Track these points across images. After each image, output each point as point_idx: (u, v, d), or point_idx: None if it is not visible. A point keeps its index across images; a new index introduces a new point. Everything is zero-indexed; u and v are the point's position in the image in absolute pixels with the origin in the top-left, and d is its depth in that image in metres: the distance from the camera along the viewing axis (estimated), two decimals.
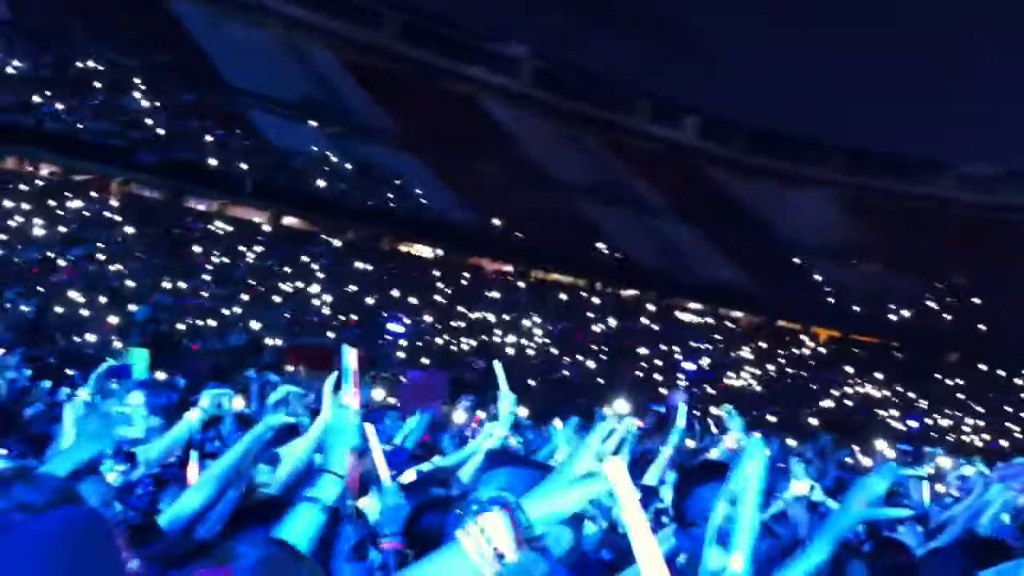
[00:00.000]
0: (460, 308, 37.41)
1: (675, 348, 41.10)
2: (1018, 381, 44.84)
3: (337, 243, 38.72)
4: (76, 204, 32.18)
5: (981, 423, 41.53)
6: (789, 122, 54.18)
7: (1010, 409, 42.71)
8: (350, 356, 2.86)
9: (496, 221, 42.84)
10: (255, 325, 28.86)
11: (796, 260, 50.69)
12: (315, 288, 34.08)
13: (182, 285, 30.22)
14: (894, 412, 40.51)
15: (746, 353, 43.41)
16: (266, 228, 38.46)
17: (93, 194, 34.04)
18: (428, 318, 35.59)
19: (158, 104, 37.67)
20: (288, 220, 39.92)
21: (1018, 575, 2.49)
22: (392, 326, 33.04)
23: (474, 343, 35.10)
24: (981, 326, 47.58)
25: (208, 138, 37.90)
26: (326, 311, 33.03)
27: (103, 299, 26.26)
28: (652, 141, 53.53)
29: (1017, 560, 2.58)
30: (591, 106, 52.63)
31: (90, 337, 22.70)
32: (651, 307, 44.57)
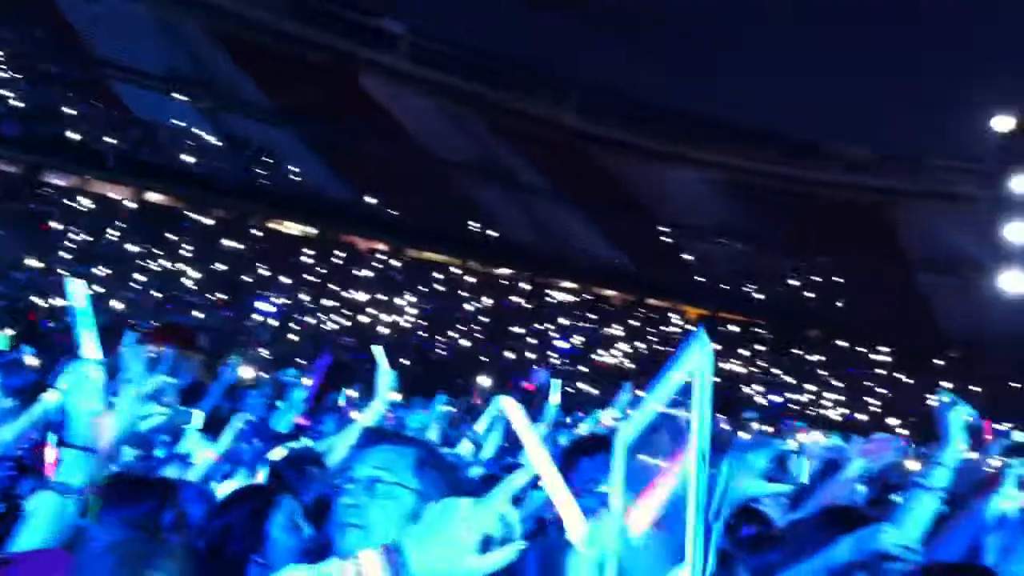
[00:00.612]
0: (332, 287, 37.03)
1: (548, 326, 41.52)
2: (875, 357, 46.70)
3: (205, 220, 37.85)
4: None
5: (841, 398, 43.20)
6: (668, 102, 54.75)
7: (868, 384, 44.54)
8: (75, 291, 2.36)
9: (370, 199, 42.44)
10: (118, 305, 28.04)
11: (668, 239, 51.65)
12: (182, 266, 33.29)
13: (40, 263, 29.19)
14: (758, 388, 41.80)
15: (618, 331, 44.11)
16: (130, 204, 37.32)
17: None
18: (300, 297, 35.15)
19: (18, 75, 36.18)
20: (153, 196, 38.78)
21: (875, 539, 2.62)
22: (262, 305, 32.55)
23: (346, 322, 34.82)
24: (841, 303, 49.36)
25: (70, 110, 36.55)
26: (194, 290, 32.32)
27: None
28: (532, 120, 53.68)
29: (873, 526, 2.70)
30: (470, 84, 52.47)
31: None
32: (525, 286, 44.86)
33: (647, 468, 1.51)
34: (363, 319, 36.28)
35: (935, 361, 45.46)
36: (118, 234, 33.96)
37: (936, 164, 52.41)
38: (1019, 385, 40.55)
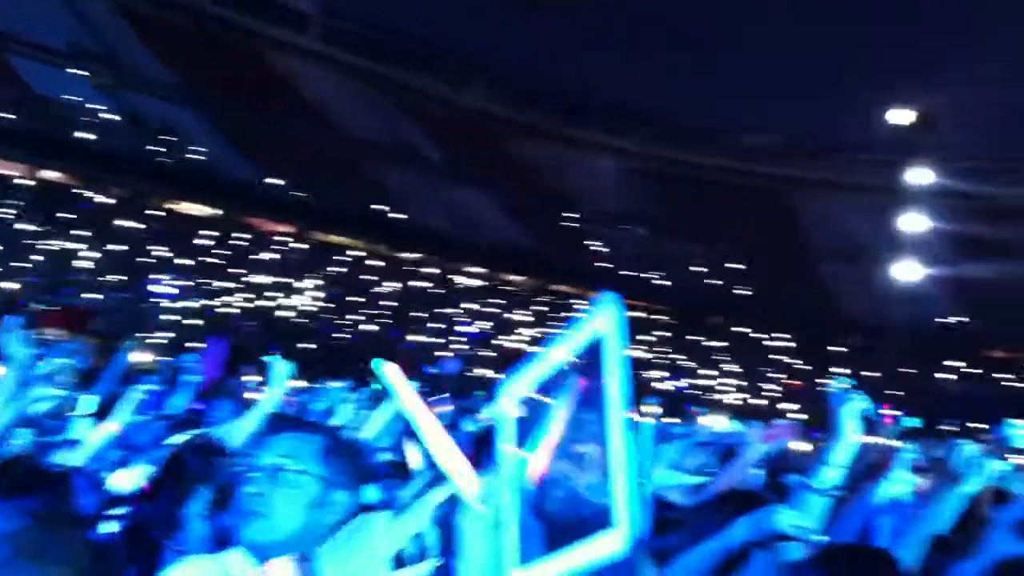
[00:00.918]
0: (234, 269, 36.47)
1: (455, 311, 41.51)
2: (775, 343, 47.68)
3: (103, 199, 36.88)
4: None
5: (743, 383, 44.07)
6: (578, 88, 54.88)
7: (766, 369, 45.49)
8: None
9: (275, 180, 41.82)
10: (11, 286, 27.27)
11: (575, 225, 51.97)
12: (77, 247, 32.46)
13: None
14: (661, 373, 42.39)
15: (525, 316, 44.31)
16: (25, 182, 36.17)
17: None
18: (200, 279, 34.55)
19: None
20: (49, 174, 37.64)
21: (770, 519, 2.69)
22: (160, 287, 31.94)
23: (248, 306, 34.36)
24: (743, 290, 50.26)
25: None
26: (90, 271, 31.56)
27: None
28: (441, 103, 53.40)
29: (768, 507, 2.77)
30: (381, 65, 51.94)
31: None
32: (432, 270, 44.72)
33: (542, 425, 1.50)
34: (265, 303, 35.81)
35: (835, 348, 46.53)
36: (12, 212, 32.96)
37: (837, 155, 53.60)
38: (914, 370, 41.82)
